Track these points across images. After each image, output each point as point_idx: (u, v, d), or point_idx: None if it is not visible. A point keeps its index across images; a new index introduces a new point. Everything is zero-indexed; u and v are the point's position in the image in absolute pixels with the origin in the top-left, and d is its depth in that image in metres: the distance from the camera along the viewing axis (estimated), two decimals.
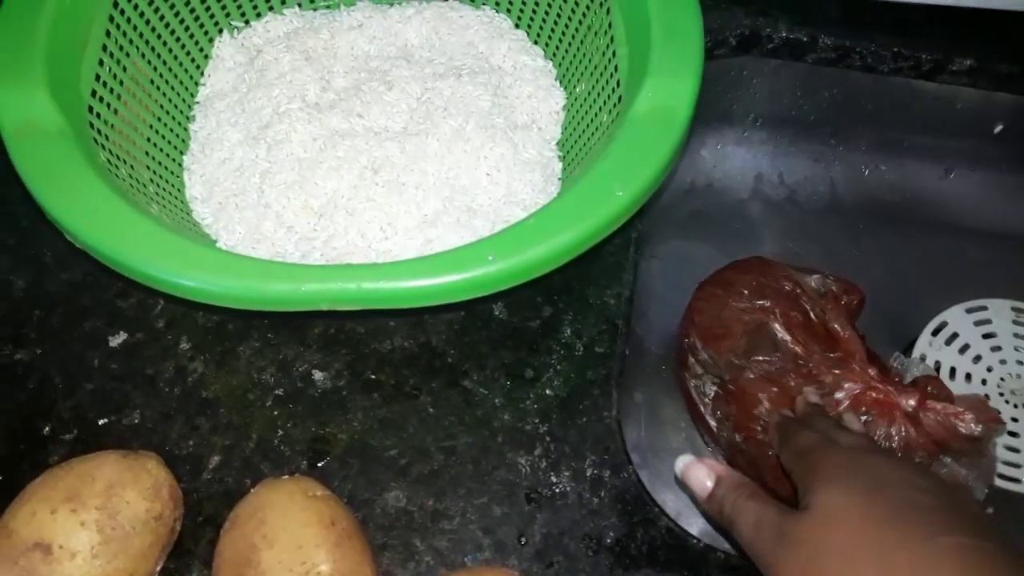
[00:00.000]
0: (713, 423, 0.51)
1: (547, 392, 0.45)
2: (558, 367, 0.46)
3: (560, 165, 0.48)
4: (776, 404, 0.47)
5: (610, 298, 0.48)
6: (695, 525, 0.49)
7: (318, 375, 0.45)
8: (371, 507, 0.42)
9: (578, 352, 0.46)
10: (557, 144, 0.49)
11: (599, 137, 0.45)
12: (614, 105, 0.43)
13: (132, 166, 0.43)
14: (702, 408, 0.51)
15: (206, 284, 0.35)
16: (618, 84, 0.43)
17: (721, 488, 0.36)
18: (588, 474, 0.43)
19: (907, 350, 0.57)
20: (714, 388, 0.51)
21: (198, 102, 0.50)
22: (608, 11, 0.45)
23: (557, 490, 0.43)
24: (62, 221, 0.36)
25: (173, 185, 0.46)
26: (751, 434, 0.47)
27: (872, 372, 0.46)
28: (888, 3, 0.56)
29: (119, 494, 0.37)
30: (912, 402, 0.44)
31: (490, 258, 0.35)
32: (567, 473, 0.43)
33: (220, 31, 0.51)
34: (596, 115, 0.46)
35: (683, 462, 0.38)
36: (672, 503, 0.50)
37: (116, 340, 0.45)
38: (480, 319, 0.47)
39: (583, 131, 0.47)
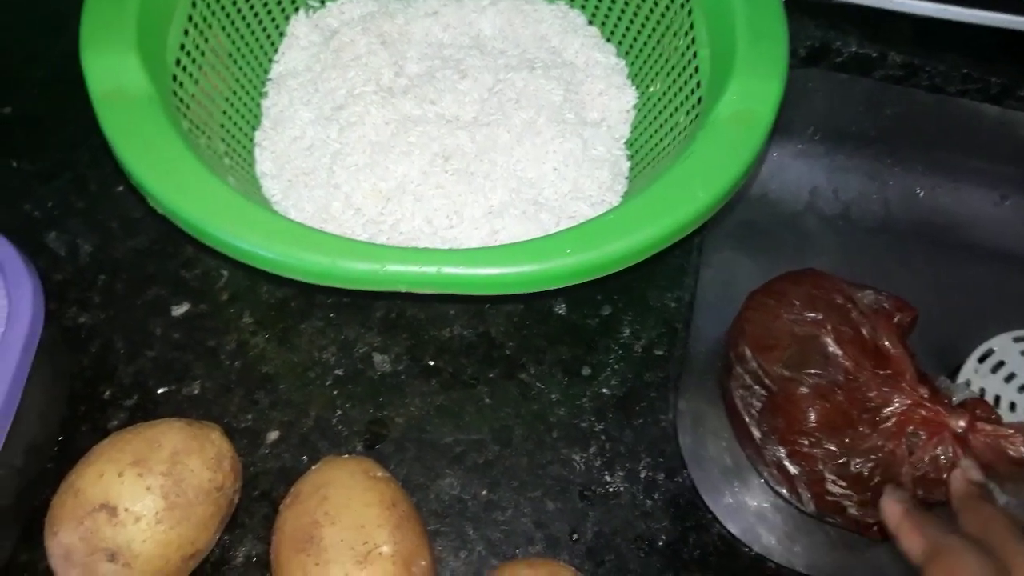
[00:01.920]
0: (758, 435, 0.50)
1: (604, 391, 0.45)
2: (615, 366, 0.46)
3: (628, 164, 0.48)
4: (824, 419, 0.47)
5: (671, 301, 0.48)
6: (747, 534, 0.48)
7: (378, 358, 0.45)
8: (425, 492, 0.42)
9: (636, 353, 0.46)
10: (626, 143, 0.49)
11: (673, 138, 0.45)
12: (692, 106, 0.43)
13: (209, 137, 0.43)
14: (747, 419, 0.51)
15: (289, 257, 0.35)
16: (698, 85, 0.43)
17: None
18: (642, 476, 0.43)
19: (952, 375, 0.56)
20: (761, 400, 0.51)
21: (271, 79, 0.50)
22: (690, 12, 0.45)
23: (611, 489, 0.42)
24: (148, 186, 0.36)
25: (245, 160, 0.46)
26: (797, 448, 0.47)
27: (922, 391, 0.45)
28: (962, 24, 0.56)
29: (184, 462, 0.37)
30: (962, 423, 0.44)
31: (568, 251, 0.35)
32: (621, 473, 0.43)
33: (296, 9, 0.52)
34: (671, 116, 0.46)
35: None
36: (722, 512, 0.49)
37: (179, 310, 0.46)
38: (540, 313, 0.47)
39: (655, 131, 0.47)
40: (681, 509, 0.42)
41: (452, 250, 0.36)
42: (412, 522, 0.37)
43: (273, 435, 0.43)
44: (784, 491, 0.49)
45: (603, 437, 0.44)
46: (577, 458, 0.43)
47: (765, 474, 0.50)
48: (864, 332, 0.49)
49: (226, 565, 0.39)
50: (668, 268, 0.48)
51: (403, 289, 0.36)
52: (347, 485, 0.37)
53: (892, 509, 0.37)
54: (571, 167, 0.46)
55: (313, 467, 0.39)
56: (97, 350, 0.44)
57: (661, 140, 0.46)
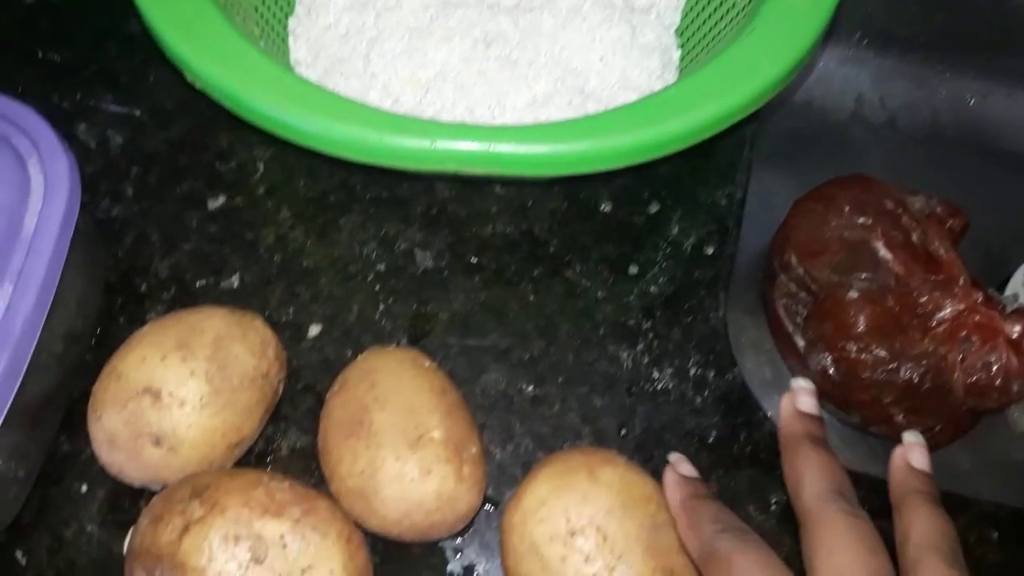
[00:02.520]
0: (802, 344, 0.49)
1: (651, 289, 0.44)
2: (663, 265, 0.44)
3: (679, 53, 0.46)
4: (873, 324, 0.45)
5: (721, 198, 0.46)
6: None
7: (420, 254, 0.44)
8: (470, 387, 0.41)
9: (685, 251, 0.45)
10: (677, 31, 0.47)
11: (728, 23, 0.42)
12: None
13: (244, 19, 0.41)
14: (790, 329, 0.50)
15: (334, 132, 0.33)
16: None
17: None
18: (692, 373, 0.42)
19: (1000, 289, 0.55)
20: (806, 308, 0.49)
21: None
22: None
23: (659, 386, 0.41)
24: (187, 59, 0.34)
25: (279, 48, 0.44)
26: (844, 355, 0.46)
27: (976, 296, 0.44)
28: None
29: (227, 347, 0.36)
30: (1017, 328, 0.43)
31: (628, 127, 0.34)
32: (670, 370, 0.42)
33: None
34: (722, 2, 0.43)
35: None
36: (774, 411, 0.48)
37: (215, 203, 0.44)
38: (584, 210, 0.45)
39: (708, 17, 0.45)
40: (732, 406, 0.41)
41: (504, 127, 0.34)
42: (462, 411, 0.36)
43: (315, 329, 0.42)
44: (827, 401, 0.48)
45: (651, 335, 0.43)
46: (624, 355, 0.42)
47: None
48: (915, 237, 0.47)
49: (271, 456, 0.39)
50: (717, 164, 0.47)
51: (451, 170, 0.34)
52: (395, 372, 0.36)
53: (671, 495, 0.33)
54: (619, 55, 0.44)
55: (359, 356, 0.38)
56: (132, 243, 0.43)
57: (715, 26, 0.43)
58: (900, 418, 0.45)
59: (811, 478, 0.30)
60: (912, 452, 0.32)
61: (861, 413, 0.46)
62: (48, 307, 0.33)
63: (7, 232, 0.34)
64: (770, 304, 0.50)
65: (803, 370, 0.48)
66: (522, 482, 0.34)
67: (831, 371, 0.47)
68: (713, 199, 0.46)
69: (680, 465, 0.34)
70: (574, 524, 0.32)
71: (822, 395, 0.46)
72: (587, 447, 0.37)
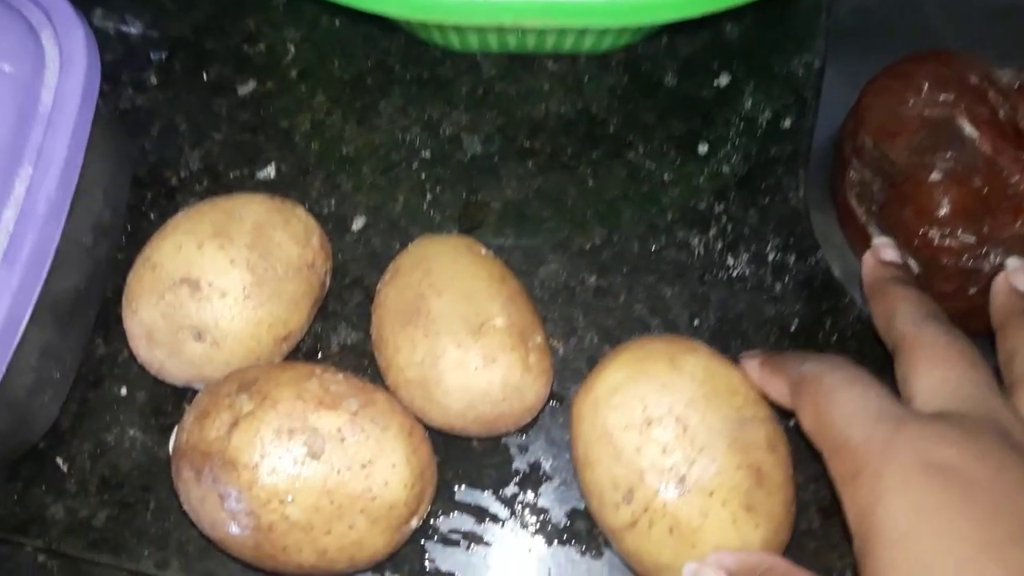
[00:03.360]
0: (876, 235, 0.45)
1: (723, 169, 0.40)
2: (736, 142, 0.40)
3: None
4: (959, 206, 0.41)
5: (798, 67, 0.42)
6: None
7: (467, 139, 0.40)
8: (529, 279, 0.38)
9: (760, 126, 0.41)
10: None
11: None
12: None
13: None
14: (863, 220, 0.46)
15: None
16: None
17: None
18: (770, 258, 0.38)
19: None
20: (882, 194, 0.45)
21: None
22: None
23: (734, 273, 0.38)
24: None
25: None
26: (926, 242, 0.42)
27: None
28: None
29: (269, 235, 0.33)
30: None
31: None
32: (746, 256, 0.38)
33: None
34: None
35: (690, 571, 0.29)
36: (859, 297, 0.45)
37: (245, 89, 0.41)
38: (647, 85, 0.41)
39: None
40: (815, 293, 0.38)
41: None
42: (523, 298, 0.33)
43: (359, 221, 0.39)
44: None
45: (724, 218, 0.39)
46: (695, 241, 0.38)
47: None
48: (1002, 114, 0.43)
49: (320, 354, 0.36)
50: (793, 30, 0.42)
51: (507, 23, 0.31)
52: (451, 258, 0.33)
53: (750, 366, 0.31)
54: None
55: (410, 244, 0.35)
56: (159, 134, 0.40)
57: None
58: (986, 311, 0.41)
59: (904, 307, 0.29)
60: (1016, 276, 0.32)
61: (941, 306, 0.42)
62: (72, 189, 0.31)
63: (23, 108, 0.30)
64: (840, 194, 0.46)
65: None
66: (594, 368, 0.31)
67: (909, 261, 0.43)
68: (789, 68, 0.42)
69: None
70: (651, 413, 0.29)
71: None
72: (666, 335, 0.34)
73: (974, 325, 0.41)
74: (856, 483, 0.25)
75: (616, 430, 0.29)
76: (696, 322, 0.37)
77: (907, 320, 0.29)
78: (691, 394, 0.30)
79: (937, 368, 0.27)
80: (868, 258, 0.34)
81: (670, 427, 0.29)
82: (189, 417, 0.30)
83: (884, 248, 0.34)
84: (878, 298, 0.31)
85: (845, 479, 0.25)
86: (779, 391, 0.29)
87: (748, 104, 0.41)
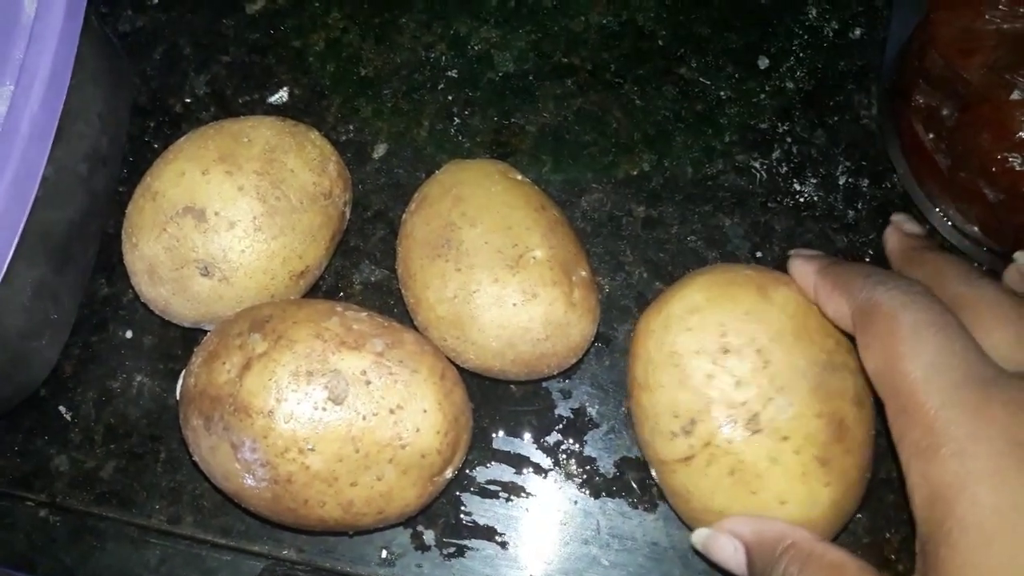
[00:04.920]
0: (946, 164, 0.41)
1: (787, 85, 0.36)
2: (801, 55, 0.36)
3: None
4: None
5: None
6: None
7: (498, 56, 0.36)
8: (570, 210, 0.34)
9: (827, 37, 0.36)
10: None
11: None
12: None
13: None
14: (930, 147, 0.41)
15: None
16: None
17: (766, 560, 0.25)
18: (841, 182, 0.34)
19: None
20: (954, 118, 0.41)
21: None
22: None
23: (802, 199, 0.34)
24: None
25: None
26: (1005, 169, 0.37)
27: None
28: None
29: (280, 160, 0.30)
30: None
31: None
32: (814, 180, 0.34)
33: None
34: None
35: (702, 536, 0.26)
36: (941, 223, 0.41)
37: (254, 6, 0.37)
38: None
39: None
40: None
41: None
42: (565, 228, 0.30)
43: (381, 148, 0.35)
44: (975, 229, 0.40)
45: (789, 140, 0.35)
46: (757, 165, 0.34)
47: (951, 212, 0.40)
48: None
49: (342, 292, 0.33)
50: None
51: None
52: (484, 185, 0.30)
53: (803, 270, 0.26)
54: None
55: (438, 171, 0.31)
56: (161, 57, 0.37)
57: None
58: None
59: (950, 269, 0.26)
60: (904, 224, 0.31)
61: (1018, 238, 0.38)
62: (59, 108, 0.27)
63: (3, 19, 0.27)
64: (904, 119, 0.42)
65: (946, 195, 0.40)
66: (671, 286, 0.27)
67: (987, 191, 0.39)
68: None
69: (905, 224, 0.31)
70: (730, 341, 0.25)
71: (970, 221, 0.39)
72: (755, 265, 0.30)
73: None
74: (932, 458, 0.21)
75: (687, 353, 0.26)
76: (759, 255, 0.33)
77: (960, 281, 0.26)
78: (779, 327, 0.26)
79: (1010, 325, 0.24)
80: (891, 232, 0.31)
81: (749, 359, 0.25)
82: (197, 359, 0.27)
83: (906, 223, 0.31)
84: (915, 266, 0.28)
85: (916, 449, 0.21)
86: (839, 311, 0.25)
87: (813, 12, 0.36)
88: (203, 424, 0.26)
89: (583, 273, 0.29)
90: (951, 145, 0.41)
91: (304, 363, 0.26)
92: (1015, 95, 0.37)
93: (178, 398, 0.28)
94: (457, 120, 0.35)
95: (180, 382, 0.28)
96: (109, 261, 0.33)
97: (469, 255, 0.28)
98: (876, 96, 0.36)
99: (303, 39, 0.37)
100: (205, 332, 0.31)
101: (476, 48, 0.36)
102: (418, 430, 0.26)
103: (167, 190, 0.29)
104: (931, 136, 0.41)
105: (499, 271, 0.27)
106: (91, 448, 0.32)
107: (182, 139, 0.30)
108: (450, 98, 0.36)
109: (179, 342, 0.32)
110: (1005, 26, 0.39)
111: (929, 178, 0.42)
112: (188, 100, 0.36)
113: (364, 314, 0.28)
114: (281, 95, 0.36)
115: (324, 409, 0.25)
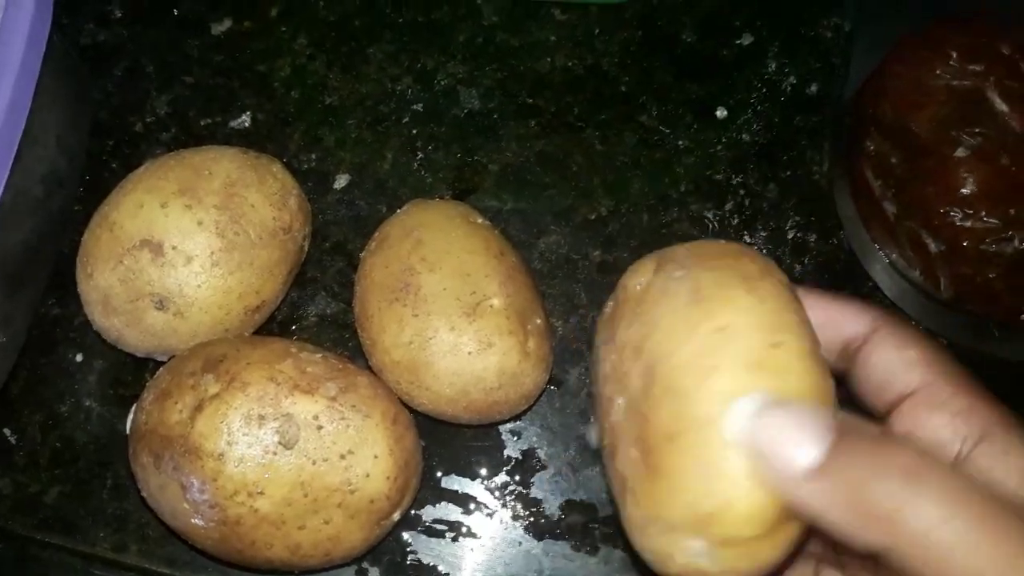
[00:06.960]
0: (892, 211, 0.42)
1: (743, 137, 0.37)
2: (758, 108, 0.37)
3: None
4: (985, 187, 0.39)
5: (826, 30, 0.38)
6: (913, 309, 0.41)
7: (464, 92, 0.37)
8: (528, 251, 0.35)
9: (784, 91, 0.37)
10: None
11: None
12: None
13: None
14: (878, 193, 0.43)
15: None
16: None
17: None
18: (790, 236, 0.36)
19: None
20: (901, 169, 0.42)
21: None
22: None
23: None
24: None
25: None
26: (947, 222, 0.39)
27: None
28: None
29: (241, 194, 0.30)
30: None
31: None
32: (764, 233, 0.35)
33: None
34: None
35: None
36: (884, 280, 0.42)
37: (219, 27, 0.37)
38: (663, 41, 0.38)
39: None
40: (837, 276, 0.35)
41: None
42: (523, 276, 0.30)
43: (343, 179, 0.35)
44: (916, 274, 0.42)
45: (742, 191, 0.36)
46: (710, 215, 0.36)
47: (893, 256, 0.42)
48: None
49: (296, 324, 0.33)
50: None
51: None
52: (444, 229, 0.30)
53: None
54: None
55: (400, 210, 0.32)
56: (123, 74, 0.36)
57: None
58: (1006, 295, 0.39)
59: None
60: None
61: (956, 289, 0.40)
62: (18, 138, 0.27)
63: None
64: (855, 165, 0.43)
65: (891, 241, 0.42)
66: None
67: (928, 241, 0.40)
68: (816, 31, 0.38)
69: None
70: None
71: (912, 267, 0.40)
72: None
73: (992, 311, 0.39)
74: None
75: None
76: None
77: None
78: None
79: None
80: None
81: None
82: (148, 396, 0.27)
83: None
84: None
85: None
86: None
87: (772, 67, 0.38)
88: (152, 462, 0.26)
89: (538, 321, 0.30)
90: (898, 193, 0.43)
91: (256, 406, 0.26)
92: (960, 152, 0.39)
93: (128, 432, 0.28)
94: (420, 154, 0.36)
95: (131, 416, 0.28)
96: (62, 281, 0.33)
97: (427, 301, 0.28)
98: (827, 153, 0.37)
99: (268, 64, 0.36)
100: (157, 361, 0.31)
101: (442, 83, 0.37)
102: (368, 475, 0.26)
103: (124, 222, 0.29)
104: (879, 183, 0.43)
105: (456, 319, 0.28)
106: (36, 472, 0.31)
107: (142, 168, 0.30)
108: (414, 132, 0.36)
109: (130, 367, 0.32)
110: (955, 83, 0.41)
111: (876, 223, 0.43)
112: (149, 120, 0.36)
113: (319, 355, 0.28)
114: (244, 120, 0.36)
115: (275, 453, 0.26)
